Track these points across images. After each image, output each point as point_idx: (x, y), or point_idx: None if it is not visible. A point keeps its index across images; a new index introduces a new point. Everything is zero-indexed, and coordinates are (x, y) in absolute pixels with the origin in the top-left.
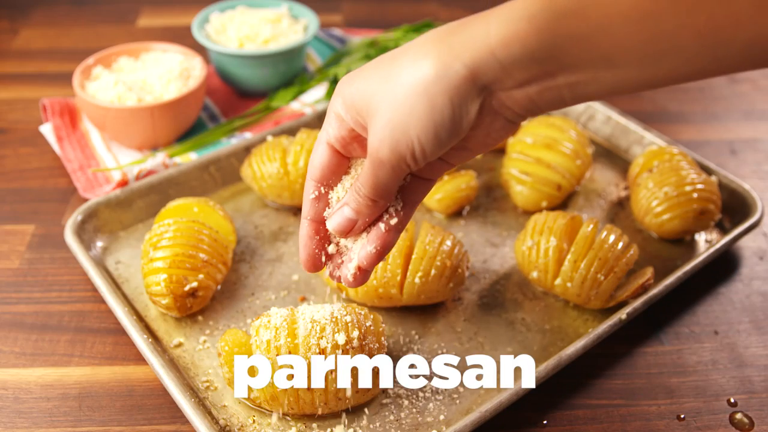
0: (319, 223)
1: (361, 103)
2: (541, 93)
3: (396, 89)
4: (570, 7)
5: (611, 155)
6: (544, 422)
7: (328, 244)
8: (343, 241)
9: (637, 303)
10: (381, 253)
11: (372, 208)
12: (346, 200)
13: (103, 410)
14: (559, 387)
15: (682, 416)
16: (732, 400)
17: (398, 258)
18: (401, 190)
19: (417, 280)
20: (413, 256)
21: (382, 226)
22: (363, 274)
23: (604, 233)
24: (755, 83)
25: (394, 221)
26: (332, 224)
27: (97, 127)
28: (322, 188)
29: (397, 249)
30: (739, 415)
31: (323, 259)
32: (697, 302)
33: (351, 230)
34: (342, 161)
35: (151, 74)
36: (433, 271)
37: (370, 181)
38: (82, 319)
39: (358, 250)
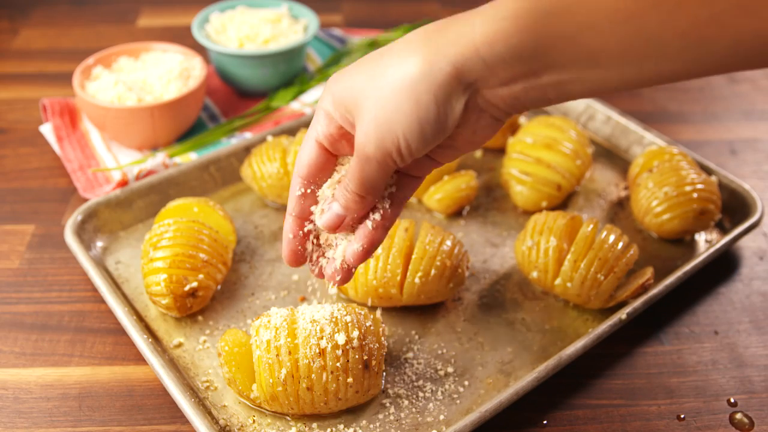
0: (303, 219)
1: (349, 100)
2: (526, 91)
3: (383, 86)
4: (554, 7)
5: (611, 155)
6: (544, 422)
7: (313, 241)
8: (329, 238)
9: (637, 303)
10: (368, 251)
11: (360, 204)
12: (335, 196)
13: (103, 410)
14: (559, 387)
15: (682, 416)
16: (732, 400)
17: (398, 258)
18: (388, 188)
19: (417, 280)
20: (413, 256)
21: (369, 223)
22: (347, 272)
23: (604, 233)
24: (755, 83)
25: (380, 219)
26: (321, 220)
27: (97, 127)
28: (308, 186)
29: (398, 249)
30: (739, 415)
31: (306, 255)
32: (696, 302)
33: (339, 226)
34: (330, 159)
35: (151, 74)
36: (433, 271)
37: (357, 177)
38: (82, 319)
39: (344, 247)
